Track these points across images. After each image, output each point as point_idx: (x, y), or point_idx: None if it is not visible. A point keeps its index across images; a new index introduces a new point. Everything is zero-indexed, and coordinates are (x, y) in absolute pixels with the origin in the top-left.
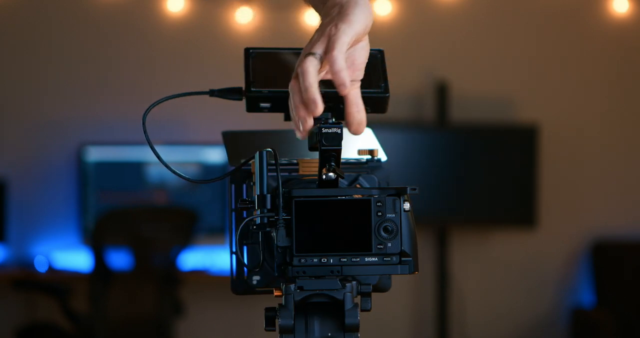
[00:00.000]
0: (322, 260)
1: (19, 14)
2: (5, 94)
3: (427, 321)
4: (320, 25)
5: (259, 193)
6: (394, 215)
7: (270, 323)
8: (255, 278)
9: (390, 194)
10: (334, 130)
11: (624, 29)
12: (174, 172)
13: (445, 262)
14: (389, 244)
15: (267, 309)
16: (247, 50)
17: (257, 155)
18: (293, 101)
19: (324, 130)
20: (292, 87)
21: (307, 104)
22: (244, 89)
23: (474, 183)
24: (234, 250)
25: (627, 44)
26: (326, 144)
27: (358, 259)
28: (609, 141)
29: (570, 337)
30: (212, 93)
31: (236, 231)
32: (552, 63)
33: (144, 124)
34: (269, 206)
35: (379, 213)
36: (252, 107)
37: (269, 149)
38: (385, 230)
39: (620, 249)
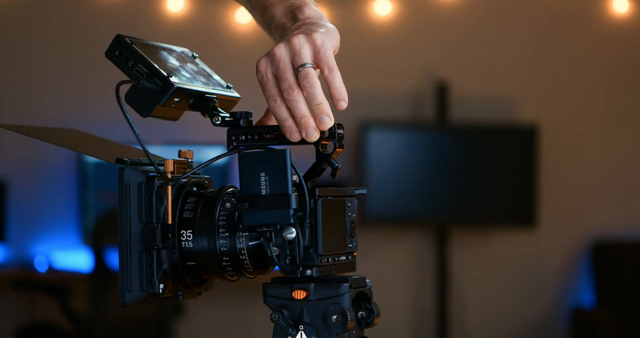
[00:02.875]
0: (329, 259)
1: (19, 14)
2: (5, 94)
3: (427, 321)
4: (295, 33)
5: (282, 192)
6: (355, 215)
7: (293, 327)
8: (161, 286)
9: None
10: (340, 131)
11: (624, 29)
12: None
13: (445, 262)
14: (354, 243)
15: (280, 314)
16: (122, 37)
17: (279, 153)
18: (299, 110)
19: (337, 131)
20: (296, 96)
21: (319, 117)
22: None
23: (474, 183)
24: (131, 256)
25: (627, 44)
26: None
27: (344, 258)
28: (609, 141)
29: (570, 337)
30: (139, 83)
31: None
32: (552, 63)
33: (122, 107)
34: (294, 206)
35: (349, 214)
36: (168, 101)
37: (287, 148)
38: (354, 229)
39: (620, 249)
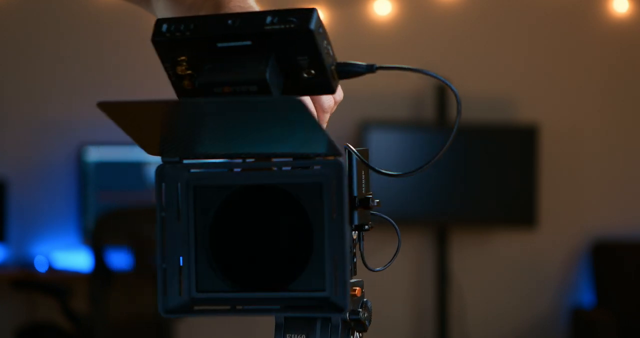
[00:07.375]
0: None
1: (20, 14)
2: (6, 94)
3: (427, 321)
4: None
5: (369, 192)
6: None
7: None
8: None
9: None
10: None
11: (624, 29)
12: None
13: (445, 262)
14: None
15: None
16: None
17: (366, 152)
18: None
19: None
20: (330, 106)
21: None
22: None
23: (474, 184)
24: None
25: (627, 44)
26: None
27: None
28: (608, 141)
29: (570, 337)
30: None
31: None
32: (552, 63)
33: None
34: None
35: None
36: None
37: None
38: None
39: (620, 249)
